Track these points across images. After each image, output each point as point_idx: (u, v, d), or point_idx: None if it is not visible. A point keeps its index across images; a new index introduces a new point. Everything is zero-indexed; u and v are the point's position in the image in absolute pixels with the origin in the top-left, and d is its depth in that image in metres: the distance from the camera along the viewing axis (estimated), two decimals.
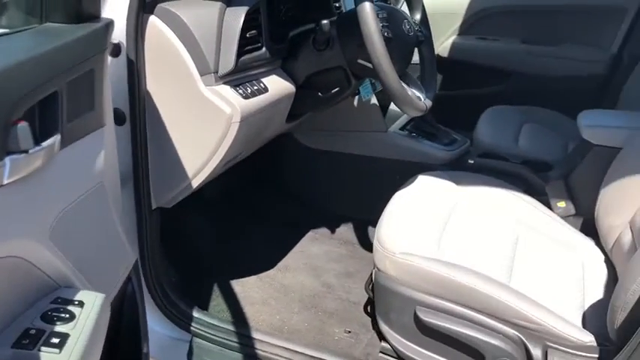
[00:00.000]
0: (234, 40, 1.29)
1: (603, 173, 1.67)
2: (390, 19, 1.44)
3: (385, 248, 1.45)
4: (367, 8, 1.27)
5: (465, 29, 2.74)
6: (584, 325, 1.39)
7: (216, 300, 1.74)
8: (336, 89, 1.54)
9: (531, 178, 1.90)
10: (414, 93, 1.46)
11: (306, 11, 1.61)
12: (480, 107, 2.40)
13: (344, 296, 1.84)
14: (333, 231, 2.13)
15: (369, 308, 1.75)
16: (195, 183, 1.38)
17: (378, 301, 1.51)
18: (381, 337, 1.53)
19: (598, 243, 1.68)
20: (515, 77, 2.65)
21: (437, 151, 1.96)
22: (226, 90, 1.30)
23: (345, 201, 2.11)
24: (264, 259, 1.95)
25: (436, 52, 2.75)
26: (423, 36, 1.60)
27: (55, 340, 0.71)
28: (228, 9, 1.30)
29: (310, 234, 2.12)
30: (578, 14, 2.57)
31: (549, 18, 2.62)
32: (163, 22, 1.24)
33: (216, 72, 1.29)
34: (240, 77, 1.36)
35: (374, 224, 2.12)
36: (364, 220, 2.12)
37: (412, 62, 1.62)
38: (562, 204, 1.82)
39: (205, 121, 1.29)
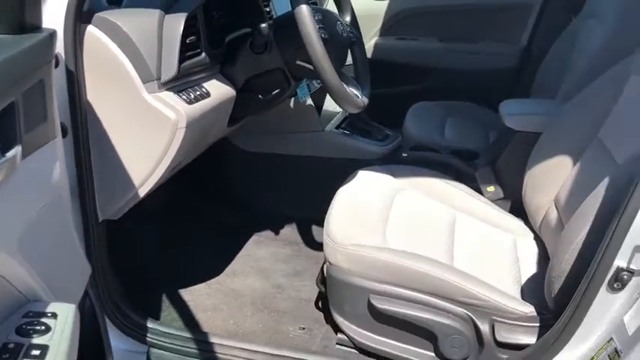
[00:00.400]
0: (175, 47, 1.30)
1: (527, 157, 1.79)
2: (325, 21, 1.49)
3: (336, 242, 1.49)
4: (305, 11, 1.31)
5: (385, 31, 2.84)
6: (524, 297, 1.49)
7: (167, 310, 1.73)
8: (277, 91, 1.58)
9: (461, 166, 2.01)
10: (352, 91, 1.52)
11: (238, 17, 1.63)
12: (405, 104, 2.51)
13: (294, 295, 1.87)
14: (277, 232, 2.16)
15: (320, 303, 1.79)
16: (142, 192, 1.37)
17: (331, 294, 1.55)
18: (336, 329, 1.57)
19: (527, 222, 1.80)
20: (436, 74, 2.78)
21: (372, 146, 2.04)
22: (170, 96, 1.31)
23: (287, 201, 2.15)
24: (211, 266, 1.95)
25: None
26: (355, 37, 1.66)
27: (36, 352, 0.70)
28: (166, 16, 1.30)
29: (255, 237, 2.13)
30: (490, 12, 2.74)
31: (463, 17, 2.77)
32: (102, 32, 1.22)
33: (159, 79, 1.29)
34: (182, 83, 1.37)
35: (317, 222, 2.18)
36: (307, 219, 2.16)
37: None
38: (491, 188, 1.93)
39: (150, 128, 1.29)
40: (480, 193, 1.92)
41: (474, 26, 2.77)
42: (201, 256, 2.00)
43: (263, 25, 1.45)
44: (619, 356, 1.11)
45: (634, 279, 1.12)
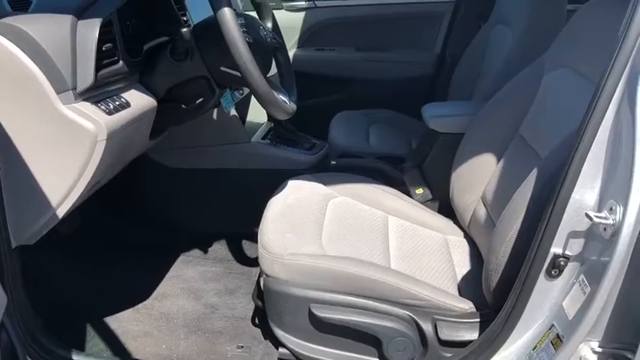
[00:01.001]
0: (91, 54, 1.21)
1: (452, 158, 1.83)
2: (248, 25, 1.45)
3: (272, 253, 1.44)
4: (228, 14, 1.26)
5: (304, 42, 2.85)
6: (462, 295, 1.50)
7: (93, 340, 1.60)
8: (200, 99, 1.51)
9: (389, 170, 2.02)
10: (280, 97, 1.49)
11: (153, 25, 1.56)
12: (328, 115, 2.53)
13: (229, 313, 1.79)
14: (206, 251, 2.07)
15: (257, 320, 1.73)
16: (61, 213, 1.26)
17: (270, 307, 1.50)
18: (277, 344, 1.51)
19: (456, 221, 1.83)
20: (356, 83, 2.82)
21: (300, 156, 2.01)
22: (88, 107, 1.21)
23: (215, 218, 2.07)
24: (137, 290, 1.84)
25: None
26: (278, 43, 1.63)
27: None
28: (80, 22, 1.22)
29: (182, 257, 2.04)
30: (403, 22, 2.81)
31: (379, 27, 2.83)
32: (8, 40, 1.12)
33: (75, 88, 1.20)
34: (100, 93, 1.28)
35: (248, 237, 2.12)
36: (237, 234, 2.10)
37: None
38: (420, 190, 1.96)
39: (67, 142, 1.19)
40: (410, 195, 1.94)
41: (389, 36, 2.83)
42: (126, 281, 1.88)
43: (184, 30, 1.39)
44: (561, 341, 1.13)
45: (570, 264, 1.14)
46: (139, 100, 1.40)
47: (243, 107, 2.11)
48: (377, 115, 2.61)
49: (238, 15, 1.47)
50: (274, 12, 2.76)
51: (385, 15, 2.79)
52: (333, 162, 2.04)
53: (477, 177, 1.74)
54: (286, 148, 2.02)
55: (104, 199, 1.81)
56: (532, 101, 1.65)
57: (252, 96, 2.21)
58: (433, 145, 1.97)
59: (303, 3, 2.80)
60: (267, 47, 1.51)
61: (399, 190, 1.89)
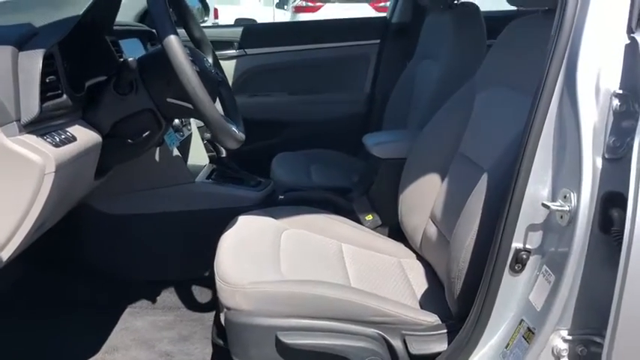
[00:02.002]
0: (35, 85, 1.16)
1: (397, 183, 1.87)
2: (194, 55, 1.45)
3: (231, 283, 1.40)
4: (175, 41, 1.26)
5: (237, 89, 2.86)
6: (425, 309, 1.51)
7: None
8: (147, 133, 1.47)
9: (338, 200, 2.03)
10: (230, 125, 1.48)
11: (89, 66, 1.53)
12: (268, 157, 2.53)
13: (186, 359, 1.70)
14: (154, 300, 1.97)
15: None
16: (6, 255, 1.18)
17: (234, 342, 1.43)
18: None
19: (407, 244, 1.85)
20: (292, 126, 2.85)
21: (247, 193, 1.99)
22: (33, 139, 1.16)
23: (162, 265, 1.98)
24: (85, 347, 1.72)
25: None
26: (220, 77, 1.64)
27: None
28: (21, 53, 1.17)
29: (129, 309, 1.93)
30: (332, 64, 2.91)
31: (309, 70, 2.90)
32: None
33: (19, 120, 1.14)
34: (45, 127, 1.22)
35: (198, 282, 2.04)
36: (186, 280, 2.02)
37: None
38: (369, 217, 1.98)
39: (13, 176, 1.12)
40: (360, 223, 1.95)
41: (320, 79, 2.91)
42: (72, 338, 1.75)
43: (131, 58, 1.36)
44: (533, 333, 1.15)
45: (532, 257, 1.18)
46: (84, 135, 1.35)
47: (184, 150, 2.08)
48: (315, 154, 2.64)
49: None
50: None
51: (314, 59, 2.88)
52: (281, 196, 2.03)
53: (423, 198, 1.78)
54: (232, 186, 1.99)
55: (44, 253, 1.71)
56: (468, 120, 1.73)
57: (192, 139, 2.22)
58: (377, 172, 2.01)
59: (234, 51, 2.84)
60: (213, 78, 1.51)
61: (350, 218, 1.90)
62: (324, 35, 2.89)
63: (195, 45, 1.68)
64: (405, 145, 1.95)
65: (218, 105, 1.60)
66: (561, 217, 1.11)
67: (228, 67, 2.84)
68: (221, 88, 1.66)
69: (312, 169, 2.50)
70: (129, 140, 1.45)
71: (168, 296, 2.00)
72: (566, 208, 1.09)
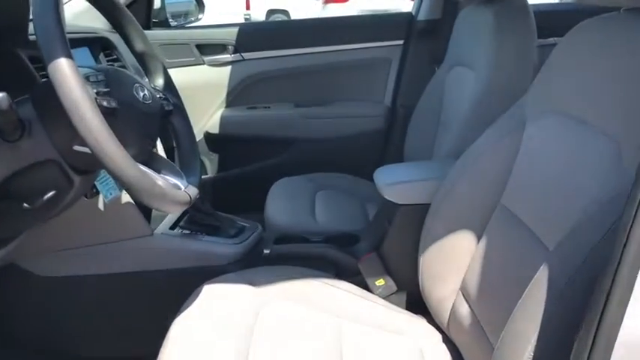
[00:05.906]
0: None
1: (417, 235, 1.42)
2: (112, 83, 1.00)
3: None
4: (64, 66, 0.82)
5: (232, 100, 2.44)
6: None
7: None
8: (52, 193, 1.03)
9: (340, 257, 1.58)
10: (168, 181, 1.03)
11: None
12: (266, 183, 2.11)
13: None
14: None
15: None
16: None
17: None
18: None
19: (430, 320, 1.41)
20: (297, 144, 2.42)
21: (222, 247, 1.54)
22: None
23: (107, 339, 1.56)
24: None
25: (205, 129, 2.43)
26: (171, 105, 1.19)
27: None
28: None
29: None
30: (346, 70, 2.44)
31: (318, 78, 2.45)
32: None
33: None
34: None
35: None
36: (137, 358, 1.59)
37: None
38: (381, 282, 1.52)
39: None
40: (368, 289, 1.50)
41: (331, 88, 2.46)
42: None
43: (1, 94, 0.92)
44: None
45: None
46: None
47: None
48: (323, 179, 2.20)
49: (99, 70, 1.03)
50: (192, 68, 2.40)
51: (324, 65, 2.41)
52: (267, 250, 1.58)
53: (451, 262, 1.34)
54: (203, 239, 1.55)
55: None
56: (514, 159, 1.25)
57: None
58: (392, 221, 1.54)
59: (228, 56, 2.39)
60: (147, 111, 1.06)
61: (354, 283, 1.46)
62: (335, 36, 2.42)
63: (137, 60, 1.23)
64: (428, 185, 1.48)
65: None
66: None
67: (222, 75, 2.40)
68: (173, 120, 1.22)
69: (318, 198, 2.06)
70: (25, 204, 1.01)
71: None
72: None
